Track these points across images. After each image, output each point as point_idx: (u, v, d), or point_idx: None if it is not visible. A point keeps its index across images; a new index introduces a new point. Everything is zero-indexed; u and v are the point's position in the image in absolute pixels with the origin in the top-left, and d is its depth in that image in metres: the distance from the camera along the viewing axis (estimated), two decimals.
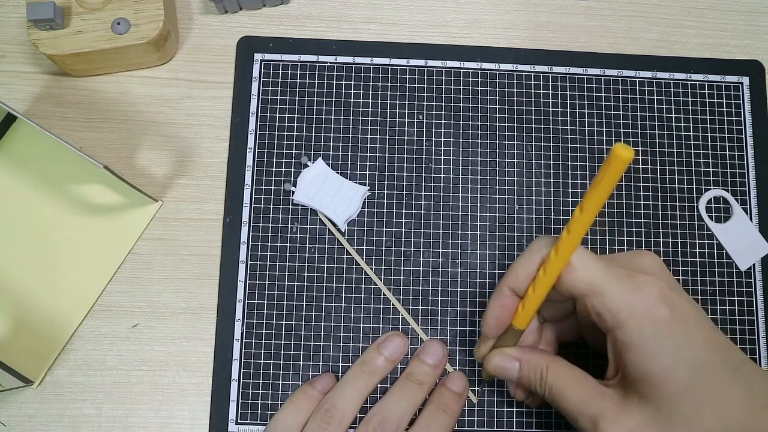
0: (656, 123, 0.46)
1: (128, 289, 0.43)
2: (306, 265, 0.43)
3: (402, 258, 0.44)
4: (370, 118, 0.46)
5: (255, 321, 0.43)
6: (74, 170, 0.44)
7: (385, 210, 0.44)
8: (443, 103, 0.46)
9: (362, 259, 0.43)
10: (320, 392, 0.40)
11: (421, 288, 0.43)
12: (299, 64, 0.46)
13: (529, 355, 0.37)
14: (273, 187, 0.44)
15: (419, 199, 0.45)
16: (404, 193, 0.45)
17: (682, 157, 0.46)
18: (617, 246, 0.44)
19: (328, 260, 0.44)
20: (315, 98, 0.46)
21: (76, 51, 0.42)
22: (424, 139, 0.46)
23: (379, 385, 0.41)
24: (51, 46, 0.42)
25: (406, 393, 0.40)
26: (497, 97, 0.46)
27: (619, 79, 0.47)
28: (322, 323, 0.43)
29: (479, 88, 0.46)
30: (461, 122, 0.46)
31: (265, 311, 0.43)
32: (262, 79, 0.46)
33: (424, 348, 0.41)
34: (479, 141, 0.46)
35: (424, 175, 0.45)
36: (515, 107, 0.46)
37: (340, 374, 0.42)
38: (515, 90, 0.46)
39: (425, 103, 0.46)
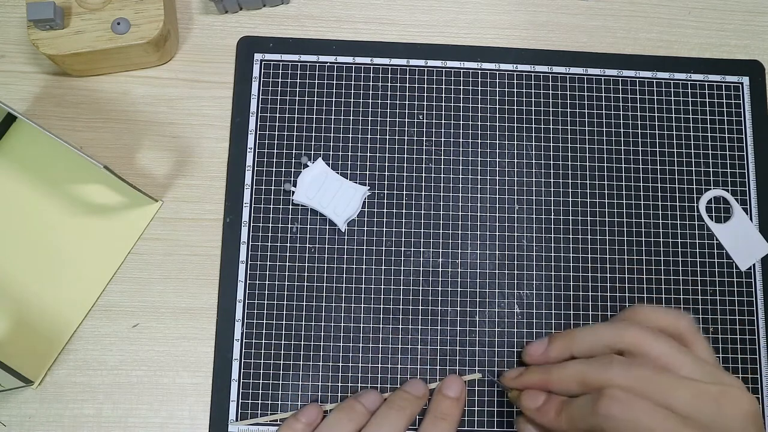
0: (656, 123, 0.46)
1: (128, 289, 0.43)
2: (306, 265, 0.43)
3: (402, 258, 0.44)
4: (370, 118, 0.46)
5: (255, 321, 0.43)
6: (74, 170, 0.44)
7: (385, 210, 0.44)
8: (443, 103, 0.46)
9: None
10: (305, 424, 0.39)
11: (421, 288, 0.43)
12: (299, 64, 0.46)
13: None
14: (273, 187, 0.44)
15: (419, 199, 0.45)
16: (404, 193, 0.45)
17: (682, 157, 0.46)
18: (617, 246, 0.44)
19: (328, 260, 0.44)
20: (315, 98, 0.46)
21: (76, 51, 0.42)
22: (424, 139, 0.46)
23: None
24: (51, 46, 0.42)
25: (385, 420, 0.38)
26: (497, 97, 0.46)
27: (619, 79, 0.47)
28: (322, 323, 0.43)
29: (479, 88, 0.46)
30: (461, 122, 0.46)
31: (265, 311, 0.43)
32: (262, 79, 0.46)
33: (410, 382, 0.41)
34: (479, 141, 0.46)
35: (424, 175, 0.45)
36: (515, 107, 0.46)
37: (339, 374, 0.42)
38: (515, 90, 0.46)
39: (425, 103, 0.46)
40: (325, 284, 0.43)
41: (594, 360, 0.37)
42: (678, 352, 0.36)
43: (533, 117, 0.46)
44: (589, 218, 0.45)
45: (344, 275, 0.43)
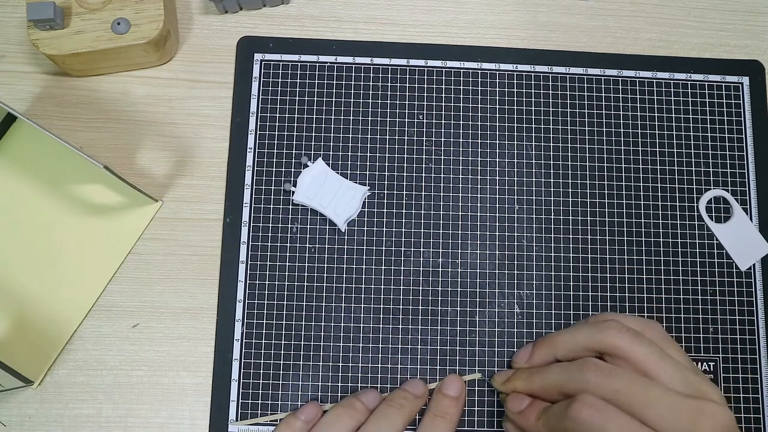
0: (656, 123, 0.46)
1: (128, 289, 0.43)
2: (306, 265, 0.43)
3: (402, 258, 0.44)
4: (370, 118, 0.46)
5: (255, 321, 0.43)
6: (74, 170, 0.44)
7: (385, 210, 0.44)
8: (443, 103, 0.46)
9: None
10: (304, 422, 0.39)
11: (421, 288, 0.43)
12: (299, 64, 0.46)
13: None
14: (273, 187, 0.44)
15: (419, 199, 0.45)
16: (404, 193, 0.45)
17: (682, 157, 0.46)
18: (617, 246, 0.44)
19: (328, 260, 0.44)
20: (315, 98, 0.46)
21: (76, 51, 0.42)
22: (424, 139, 0.46)
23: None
24: (51, 46, 0.42)
25: (384, 418, 0.39)
26: (497, 97, 0.46)
27: (619, 79, 0.47)
28: (322, 323, 0.43)
29: (479, 88, 0.46)
30: (461, 122, 0.46)
31: (265, 311, 0.43)
32: (262, 79, 0.46)
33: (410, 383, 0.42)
34: (479, 141, 0.46)
35: (424, 175, 0.45)
36: (515, 107, 0.46)
37: (340, 374, 0.42)
38: (515, 90, 0.46)
39: (425, 103, 0.46)
40: (325, 284, 0.43)
41: (571, 366, 0.37)
42: (658, 357, 0.36)
43: (533, 117, 0.46)
44: (589, 218, 0.45)
45: (344, 275, 0.43)
